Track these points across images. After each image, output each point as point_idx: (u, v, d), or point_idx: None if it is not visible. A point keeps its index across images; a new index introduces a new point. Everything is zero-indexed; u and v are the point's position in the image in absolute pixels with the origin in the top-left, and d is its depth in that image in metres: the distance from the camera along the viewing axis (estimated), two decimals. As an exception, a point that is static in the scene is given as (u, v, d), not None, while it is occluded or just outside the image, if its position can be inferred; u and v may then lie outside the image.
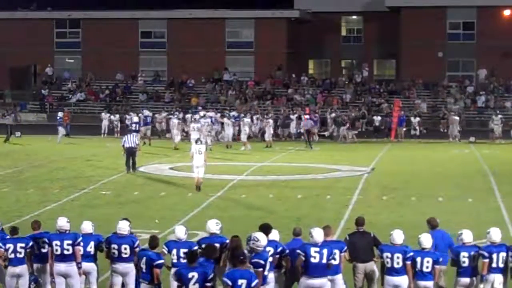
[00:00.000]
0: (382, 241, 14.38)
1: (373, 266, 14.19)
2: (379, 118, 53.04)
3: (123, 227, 14.42)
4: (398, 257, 13.39)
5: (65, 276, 14.27)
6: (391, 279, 13.42)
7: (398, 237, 13.62)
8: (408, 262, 13.40)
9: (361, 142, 48.60)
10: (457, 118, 49.70)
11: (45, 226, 15.28)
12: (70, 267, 14.24)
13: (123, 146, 32.94)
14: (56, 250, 14.22)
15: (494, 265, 13.49)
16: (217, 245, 13.81)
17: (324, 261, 13.35)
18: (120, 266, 14.24)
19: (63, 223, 14.51)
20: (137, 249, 14.22)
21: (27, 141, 47.75)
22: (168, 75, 67.75)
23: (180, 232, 14.01)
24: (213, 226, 14.27)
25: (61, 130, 47.51)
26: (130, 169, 32.70)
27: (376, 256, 14.20)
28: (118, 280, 14.32)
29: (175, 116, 46.33)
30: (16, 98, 65.19)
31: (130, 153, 32.79)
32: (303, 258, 13.29)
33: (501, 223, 20.79)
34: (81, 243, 14.33)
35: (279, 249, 13.54)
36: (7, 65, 67.42)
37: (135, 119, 44.96)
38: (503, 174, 32.35)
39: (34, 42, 66.64)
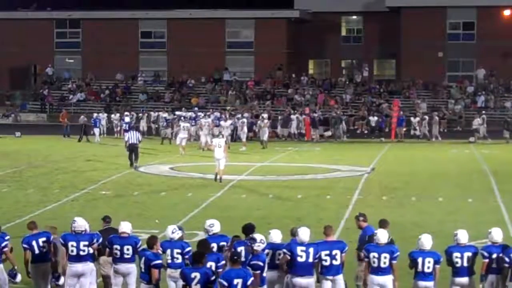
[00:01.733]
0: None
1: None
2: (375, 118, 52.74)
3: (126, 228, 14.42)
4: (385, 257, 13.39)
5: (80, 275, 14.30)
6: (376, 279, 13.43)
7: (382, 236, 13.61)
8: (394, 262, 13.43)
9: (359, 142, 48.63)
10: (437, 118, 49.87)
11: (45, 226, 15.28)
12: (86, 266, 14.30)
13: (127, 142, 34.59)
14: (72, 251, 14.24)
15: (494, 265, 13.47)
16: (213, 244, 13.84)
17: (311, 260, 13.40)
18: (122, 267, 14.25)
19: (83, 223, 14.53)
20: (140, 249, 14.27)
21: (28, 140, 47.76)
22: (168, 75, 67.74)
23: (169, 231, 14.00)
24: (218, 226, 14.24)
25: (97, 131, 47.63)
26: (133, 165, 33.96)
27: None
28: (119, 280, 14.32)
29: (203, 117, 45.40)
30: (16, 98, 65.18)
31: (133, 149, 34.18)
32: (289, 257, 13.35)
33: (501, 223, 20.77)
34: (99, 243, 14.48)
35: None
36: (7, 65, 67.40)
37: (127, 119, 45.06)
38: (503, 174, 32.35)
39: (34, 42, 66.63)
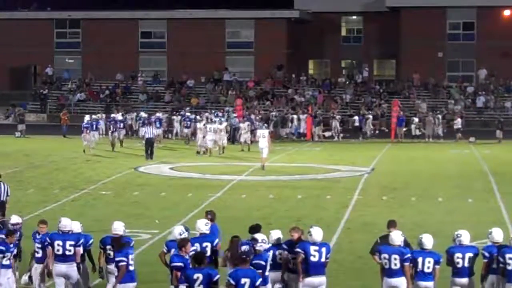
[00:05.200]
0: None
1: None
2: (356, 117, 52.08)
3: (118, 228, 14.41)
4: (395, 258, 13.35)
5: (66, 276, 14.30)
6: (389, 281, 13.39)
7: (396, 238, 13.58)
8: (406, 264, 13.37)
9: (358, 143, 48.65)
10: (431, 118, 49.94)
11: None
12: (70, 268, 14.27)
13: (143, 136, 37.92)
14: (58, 250, 14.24)
15: (494, 265, 13.45)
16: (208, 244, 13.87)
17: (323, 259, 13.46)
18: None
19: (68, 222, 14.52)
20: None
21: (28, 140, 47.79)
22: (168, 75, 67.71)
23: (176, 232, 13.97)
24: (203, 226, 14.23)
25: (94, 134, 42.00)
26: (149, 158, 36.42)
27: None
28: (112, 281, 14.29)
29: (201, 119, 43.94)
30: (16, 98, 65.12)
31: (149, 143, 36.88)
32: (303, 256, 13.38)
33: (501, 223, 20.78)
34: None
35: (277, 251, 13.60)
36: (7, 65, 67.38)
37: (86, 118, 41.73)
38: (503, 174, 32.35)
39: (34, 42, 66.55)
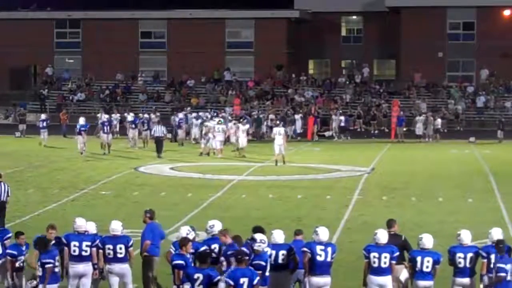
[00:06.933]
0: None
1: (402, 270, 14.05)
2: (342, 118, 51.73)
3: (116, 227, 14.43)
4: (385, 257, 13.44)
5: (81, 276, 14.32)
6: (376, 279, 13.45)
7: (382, 237, 13.63)
8: (393, 262, 13.46)
9: (358, 142, 48.64)
10: (432, 118, 49.91)
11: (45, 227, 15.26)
12: (87, 267, 14.32)
13: (153, 135, 39.89)
14: (74, 251, 14.27)
15: (492, 265, 13.46)
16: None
17: (329, 259, 13.51)
18: (116, 267, 14.24)
19: (83, 222, 14.50)
20: (131, 249, 14.34)
21: (28, 140, 47.78)
22: (168, 75, 67.71)
23: (183, 233, 13.96)
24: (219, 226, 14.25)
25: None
26: (160, 154, 37.80)
27: (406, 260, 14.01)
28: (115, 280, 14.32)
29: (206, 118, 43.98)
30: (16, 98, 65.13)
31: (159, 141, 38.28)
32: (310, 255, 13.41)
33: (501, 223, 20.80)
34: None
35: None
36: (7, 65, 67.36)
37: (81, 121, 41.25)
38: (503, 174, 32.36)
39: (34, 42, 66.52)
